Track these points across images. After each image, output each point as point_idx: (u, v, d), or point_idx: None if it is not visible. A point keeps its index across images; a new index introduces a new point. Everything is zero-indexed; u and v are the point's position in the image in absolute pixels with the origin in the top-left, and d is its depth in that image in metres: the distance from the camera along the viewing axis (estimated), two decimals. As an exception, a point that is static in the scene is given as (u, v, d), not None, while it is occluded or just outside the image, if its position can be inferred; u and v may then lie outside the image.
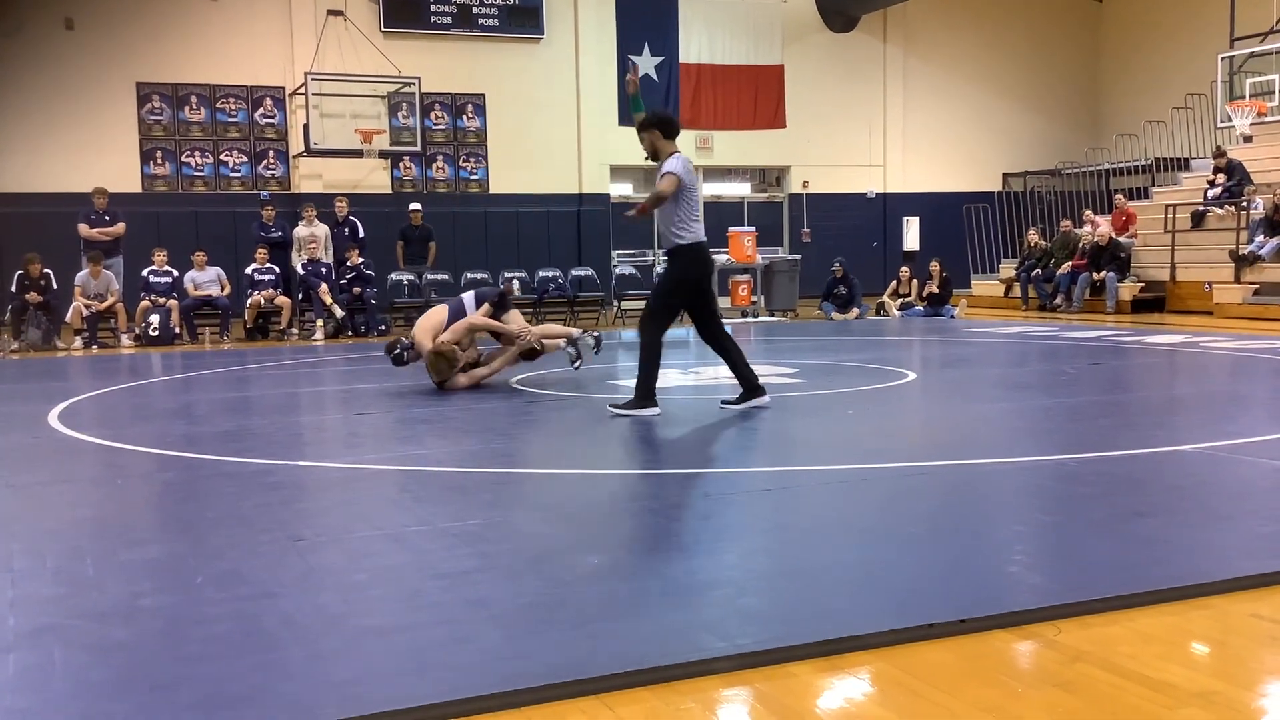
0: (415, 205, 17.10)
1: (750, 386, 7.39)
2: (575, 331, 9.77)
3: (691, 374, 10.17)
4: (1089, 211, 18.73)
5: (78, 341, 14.28)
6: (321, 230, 16.00)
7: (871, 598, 3.42)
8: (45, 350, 13.92)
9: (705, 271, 7.37)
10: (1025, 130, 23.22)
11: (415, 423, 7.30)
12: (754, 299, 17.75)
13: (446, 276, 17.00)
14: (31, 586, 3.70)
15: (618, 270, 18.74)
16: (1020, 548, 3.99)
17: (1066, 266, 17.39)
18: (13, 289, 14.31)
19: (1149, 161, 20.89)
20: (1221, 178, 17.63)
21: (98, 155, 16.98)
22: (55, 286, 14.43)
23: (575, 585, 3.61)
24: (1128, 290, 16.85)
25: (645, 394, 7.20)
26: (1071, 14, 23.70)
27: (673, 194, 7.07)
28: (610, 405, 7.38)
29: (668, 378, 9.68)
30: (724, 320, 7.67)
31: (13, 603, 3.52)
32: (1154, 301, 16.93)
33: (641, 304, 17.29)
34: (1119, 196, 18.92)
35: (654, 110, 7.52)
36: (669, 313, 7.48)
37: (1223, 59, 19.60)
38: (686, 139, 20.38)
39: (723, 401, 7.43)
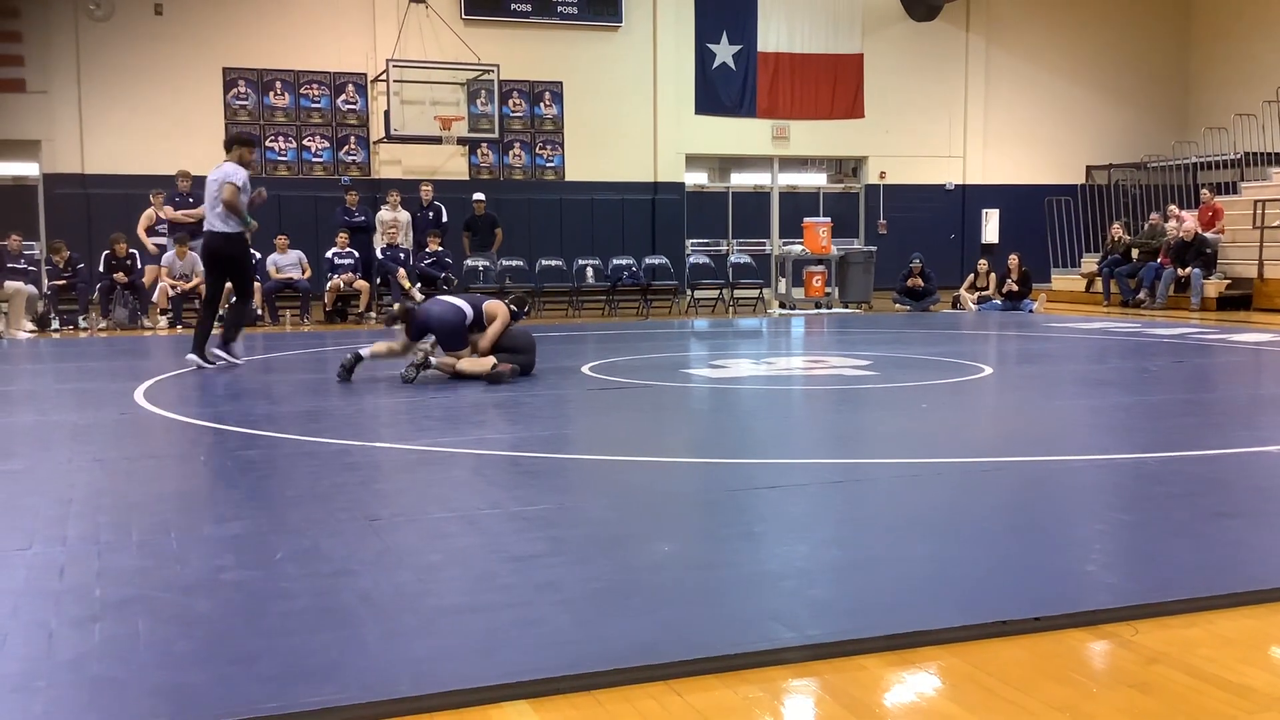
0: (479, 195, 17.30)
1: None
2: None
3: (764, 364, 10.14)
4: (1174, 206, 18.32)
5: (163, 321, 14.62)
6: (404, 216, 16.23)
7: (944, 592, 3.39)
8: (131, 329, 14.27)
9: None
10: (1110, 122, 22.74)
11: (487, 407, 7.37)
12: (828, 290, 17.62)
13: (521, 263, 17.12)
14: (118, 559, 3.81)
15: (691, 259, 18.72)
16: (1098, 546, 3.94)
17: (1150, 261, 17.03)
18: (100, 269, 14.69)
19: (1238, 156, 20.35)
20: (1314, 173, 17.16)
21: (184, 139, 17.30)
22: (140, 266, 14.78)
23: (646, 571, 3.63)
24: (1213, 287, 16.48)
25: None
26: (1160, 3, 23.16)
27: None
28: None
29: (740, 368, 9.68)
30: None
31: (100, 574, 3.63)
32: (1240, 299, 16.53)
33: (714, 294, 17.54)
34: (1205, 191, 18.49)
35: None
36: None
37: (1317, 50, 19.06)
38: (763, 128, 20.35)
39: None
